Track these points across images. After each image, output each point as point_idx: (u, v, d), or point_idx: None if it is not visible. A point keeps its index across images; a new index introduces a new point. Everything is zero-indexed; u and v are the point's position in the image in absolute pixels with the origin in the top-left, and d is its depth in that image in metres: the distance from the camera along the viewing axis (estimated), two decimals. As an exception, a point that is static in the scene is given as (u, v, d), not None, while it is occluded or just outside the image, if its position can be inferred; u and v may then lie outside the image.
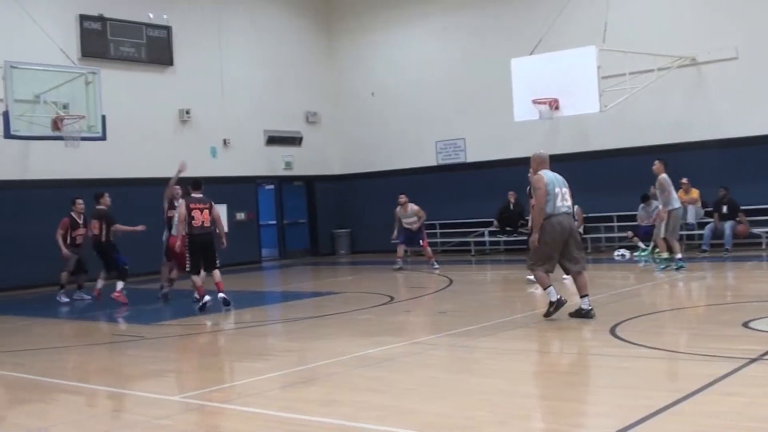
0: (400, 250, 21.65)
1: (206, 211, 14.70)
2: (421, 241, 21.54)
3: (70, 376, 9.66)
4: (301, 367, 9.44)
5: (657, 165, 17.53)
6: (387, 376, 8.66)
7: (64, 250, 17.20)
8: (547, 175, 11.25)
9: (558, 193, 11.12)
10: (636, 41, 21.06)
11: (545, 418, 6.87)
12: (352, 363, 9.35)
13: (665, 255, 17.32)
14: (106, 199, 17.08)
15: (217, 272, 14.99)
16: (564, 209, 11.15)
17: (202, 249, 14.73)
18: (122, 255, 17.18)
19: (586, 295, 11.33)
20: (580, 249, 11.56)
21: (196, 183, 14.95)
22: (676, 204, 17.51)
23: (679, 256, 17.18)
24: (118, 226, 17.00)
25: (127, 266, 17.19)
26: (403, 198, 21.41)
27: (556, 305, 11.19)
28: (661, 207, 17.51)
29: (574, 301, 11.57)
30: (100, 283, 17.27)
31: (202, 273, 14.90)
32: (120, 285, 16.75)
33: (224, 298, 14.66)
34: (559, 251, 11.19)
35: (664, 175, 17.33)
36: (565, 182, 11.40)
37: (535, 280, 14.12)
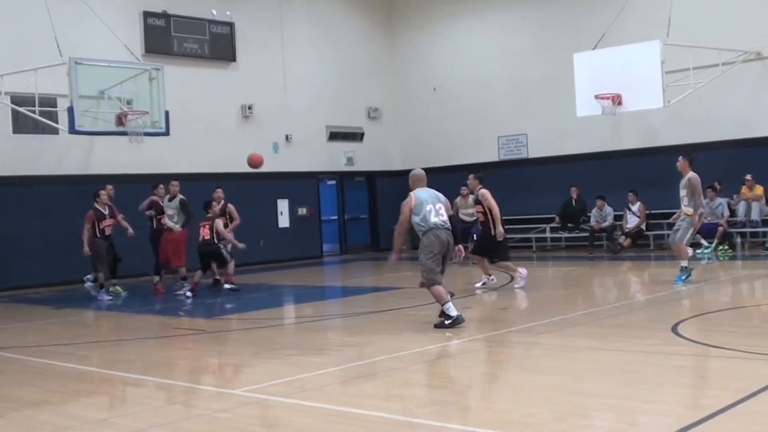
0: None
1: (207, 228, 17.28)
2: (475, 235, 21.26)
3: (131, 368, 9.79)
4: (361, 362, 9.47)
5: (681, 161, 15.06)
6: (446, 372, 8.67)
7: (86, 247, 16.95)
8: (421, 195, 11.50)
9: (431, 210, 11.35)
10: (700, 35, 20.77)
11: (604, 416, 6.81)
12: (411, 359, 9.36)
13: (685, 263, 14.81)
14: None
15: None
16: (440, 224, 11.33)
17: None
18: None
19: (448, 301, 11.30)
20: (448, 262, 11.64)
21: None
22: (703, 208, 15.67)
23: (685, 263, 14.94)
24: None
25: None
26: (465, 189, 21.16)
27: (454, 320, 11.06)
28: (688, 210, 14.78)
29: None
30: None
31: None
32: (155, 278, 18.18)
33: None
34: (439, 263, 11.34)
35: (695, 174, 14.88)
36: (440, 198, 11.61)
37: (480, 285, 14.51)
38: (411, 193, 11.58)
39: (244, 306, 15.50)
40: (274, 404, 7.58)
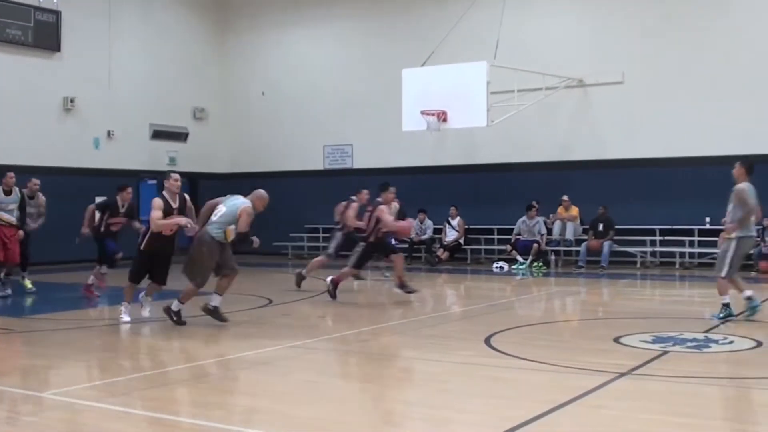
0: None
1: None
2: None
3: (-68, 366, 9.33)
4: (174, 368, 9.32)
5: (737, 168, 11.99)
6: (262, 378, 8.61)
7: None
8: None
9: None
10: (526, 60, 21.41)
11: (416, 425, 6.92)
12: (227, 365, 9.27)
13: (725, 300, 11.92)
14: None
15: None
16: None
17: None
18: None
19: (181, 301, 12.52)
20: (191, 265, 12.97)
21: None
22: (752, 231, 12.23)
23: (750, 293, 11.97)
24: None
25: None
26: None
27: (176, 316, 12.32)
28: (730, 226, 11.85)
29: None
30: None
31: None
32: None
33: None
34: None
35: (744, 185, 11.84)
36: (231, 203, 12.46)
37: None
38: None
39: (57, 306, 14.99)
40: (83, 408, 7.33)
